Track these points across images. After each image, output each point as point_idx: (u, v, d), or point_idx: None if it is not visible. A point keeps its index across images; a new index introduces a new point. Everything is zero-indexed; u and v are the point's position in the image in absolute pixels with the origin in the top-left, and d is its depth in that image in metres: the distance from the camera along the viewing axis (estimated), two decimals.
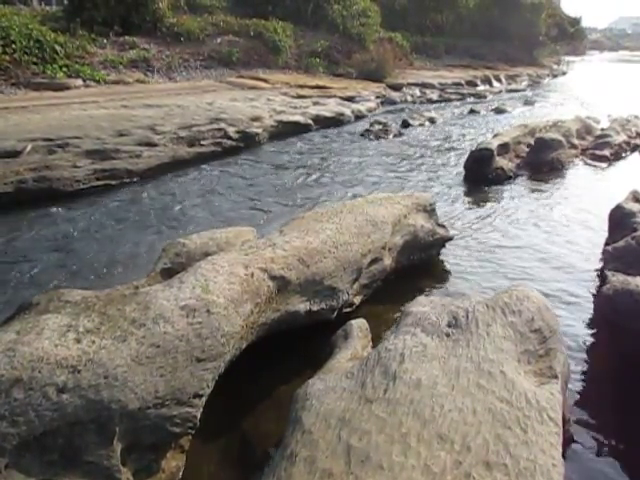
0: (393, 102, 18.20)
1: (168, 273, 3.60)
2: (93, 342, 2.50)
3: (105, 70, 15.30)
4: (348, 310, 4.14)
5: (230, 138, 10.24)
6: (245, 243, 3.89)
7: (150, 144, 8.78)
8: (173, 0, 21.27)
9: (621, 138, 11.58)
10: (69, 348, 2.44)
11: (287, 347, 3.72)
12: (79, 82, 13.76)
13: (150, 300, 2.85)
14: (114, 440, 2.38)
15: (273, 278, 3.40)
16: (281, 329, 3.60)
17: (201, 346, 2.74)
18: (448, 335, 3.00)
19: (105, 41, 16.71)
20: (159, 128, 9.31)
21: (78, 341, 2.50)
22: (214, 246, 3.93)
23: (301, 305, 3.61)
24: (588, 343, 4.20)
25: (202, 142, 9.65)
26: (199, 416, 2.74)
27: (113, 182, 7.78)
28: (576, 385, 3.64)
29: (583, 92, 24.82)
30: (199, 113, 10.67)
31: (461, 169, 9.27)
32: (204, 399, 2.78)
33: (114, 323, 2.66)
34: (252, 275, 3.26)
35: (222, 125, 10.34)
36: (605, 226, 6.06)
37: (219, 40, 19.66)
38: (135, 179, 8.08)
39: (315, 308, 3.70)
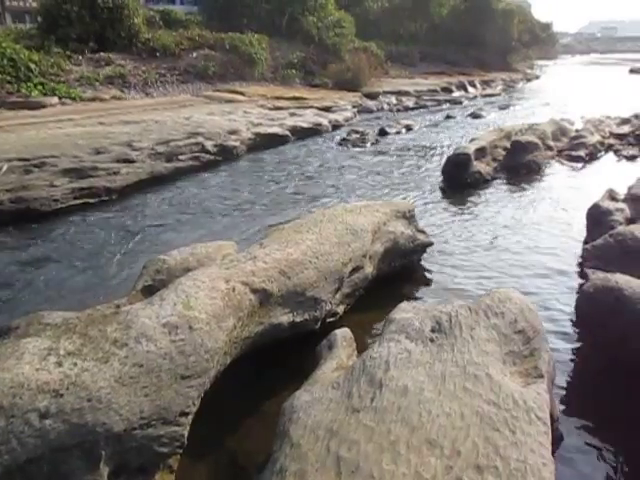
0: (370, 111, 18.35)
1: (149, 290, 3.57)
2: (75, 365, 2.47)
3: (81, 87, 15.19)
4: (332, 320, 4.14)
5: (208, 152, 10.23)
6: (226, 257, 3.88)
7: (128, 161, 8.73)
8: (148, 15, 21.27)
9: (595, 138, 11.82)
10: (50, 372, 2.41)
11: (272, 360, 3.71)
12: (55, 100, 13.64)
13: (131, 319, 2.82)
14: (101, 464, 2.35)
15: (255, 291, 3.39)
16: (265, 342, 3.59)
17: (185, 363, 2.72)
18: (432, 340, 3.02)
19: (80, 58, 16.62)
20: (136, 144, 9.27)
21: (59, 364, 2.46)
22: (195, 261, 3.91)
23: (284, 317, 3.61)
24: (572, 341, 4.26)
25: (180, 157, 9.62)
26: (186, 434, 2.72)
27: (92, 200, 7.71)
28: (562, 383, 3.68)
29: (557, 95, 25.30)
30: (176, 128, 10.64)
31: (439, 174, 9.36)
32: (191, 417, 2.76)
33: (96, 344, 2.63)
34: (233, 289, 3.25)
35: (200, 139, 10.33)
36: (584, 225, 6.17)
37: (195, 54, 19.67)
38: (114, 196, 8.01)
39: (298, 319, 3.70)
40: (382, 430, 2.36)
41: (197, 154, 10.01)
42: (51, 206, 7.22)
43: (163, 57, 18.84)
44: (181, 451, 2.72)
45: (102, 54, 17.39)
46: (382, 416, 2.44)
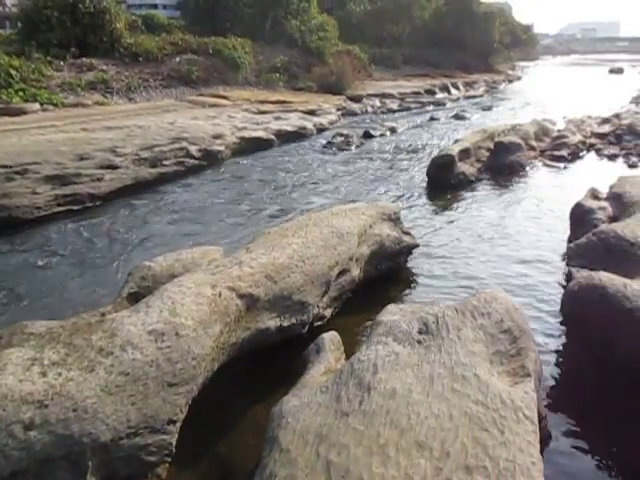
0: (354, 113, 18.41)
1: (135, 298, 3.55)
2: (60, 374, 2.44)
3: (63, 93, 15.05)
4: (319, 323, 4.14)
5: (193, 157, 10.19)
6: (211, 262, 3.85)
7: (112, 166, 8.66)
8: (130, 20, 21.15)
9: (577, 138, 11.97)
10: (34, 382, 2.37)
11: (260, 365, 3.69)
12: (36, 106, 13.48)
13: (117, 327, 2.79)
14: (87, 475, 2.32)
15: (241, 296, 3.38)
16: (253, 347, 3.57)
17: (172, 370, 2.70)
18: (420, 342, 3.02)
19: (62, 63, 16.46)
20: (120, 150, 9.19)
21: (44, 374, 2.43)
22: (180, 267, 3.89)
23: (271, 322, 3.59)
24: (558, 339, 4.30)
25: (164, 162, 9.57)
26: (175, 442, 2.69)
27: (75, 207, 7.64)
28: (549, 382, 3.71)
29: (538, 95, 25.59)
30: (160, 133, 10.56)
31: (424, 176, 9.41)
32: (179, 425, 2.74)
33: (81, 353, 2.60)
34: (220, 295, 3.23)
35: (184, 144, 10.28)
36: (567, 224, 6.23)
37: (178, 59, 19.59)
38: (98, 203, 7.95)
39: (286, 324, 3.69)
40: (371, 433, 2.35)
41: (181, 159, 9.97)
42: (34, 214, 7.14)
43: (146, 62, 18.74)
44: (169, 459, 2.70)
45: (84, 59, 17.26)
46: (371, 419, 2.43)
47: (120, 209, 7.80)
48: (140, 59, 18.64)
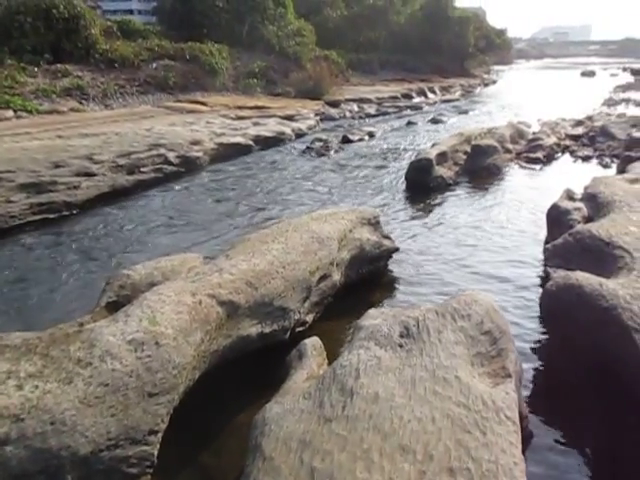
0: (332, 118, 18.47)
1: (114, 307, 3.50)
2: (36, 387, 2.39)
3: (37, 100, 14.80)
4: (301, 329, 4.13)
5: (171, 163, 10.12)
6: (191, 270, 3.82)
7: (88, 174, 8.55)
8: (105, 26, 20.93)
9: (552, 140, 12.18)
10: (10, 396, 2.32)
11: (243, 372, 3.67)
12: (10, 113, 13.24)
13: (95, 337, 2.75)
14: None
15: (222, 303, 3.35)
16: (235, 355, 3.55)
17: (152, 380, 2.66)
18: (401, 346, 3.03)
19: (36, 70, 16.19)
20: (97, 157, 9.09)
21: (20, 387, 2.38)
22: (160, 275, 3.85)
23: (253, 328, 3.58)
24: (537, 340, 4.35)
25: (142, 169, 9.48)
26: (156, 453, 2.66)
27: (51, 216, 7.52)
28: (530, 381, 3.75)
29: (513, 99, 25.97)
30: (138, 140, 10.47)
31: (403, 180, 9.47)
32: (160, 435, 2.70)
33: (58, 365, 2.55)
34: (200, 302, 3.21)
35: (162, 151, 10.20)
36: (544, 225, 6.32)
37: (155, 65, 19.44)
38: (75, 211, 7.84)
39: (267, 330, 3.67)
40: (355, 438, 2.36)
41: (159, 166, 9.89)
42: (8, 222, 7.01)
43: (122, 68, 18.55)
44: (151, 471, 2.66)
45: (59, 65, 17.00)
46: (354, 424, 2.43)
47: (97, 217, 7.70)
48: (116, 65, 18.44)
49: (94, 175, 8.60)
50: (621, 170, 8.88)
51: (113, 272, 4.58)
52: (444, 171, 9.40)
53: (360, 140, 14.35)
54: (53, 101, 15.18)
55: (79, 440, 2.31)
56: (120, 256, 6.26)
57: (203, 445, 3.19)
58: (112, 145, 9.87)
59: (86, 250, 6.45)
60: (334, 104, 20.68)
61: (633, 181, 6.37)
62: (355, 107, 20.77)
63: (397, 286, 5.43)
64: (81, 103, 15.72)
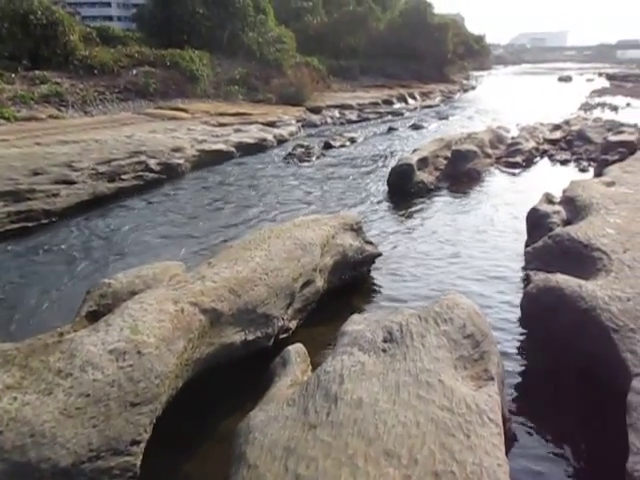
0: (314, 125, 18.51)
1: (94, 316, 3.46)
2: (15, 399, 2.35)
3: (15, 107, 14.61)
4: (285, 336, 4.12)
5: (152, 170, 10.05)
6: (173, 278, 3.80)
7: (68, 182, 8.45)
8: (85, 32, 20.77)
9: (530, 145, 12.35)
10: None
11: (226, 380, 3.64)
12: None
13: (76, 347, 2.72)
14: None
15: (204, 311, 3.33)
16: (218, 362, 3.53)
17: (134, 390, 2.63)
18: (385, 351, 3.04)
19: (13, 76, 16.00)
20: (77, 165, 8.99)
21: None
22: (141, 284, 3.81)
23: (236, 336, 3.56)
24: (519, 342, 4.39)
25: (123, 176, 9.40)
26: (139, 464, 2.62)
27: (30, 224, 7.40)
28: (512, 383, 3.78)
29: (492, 104, 26.30)
30: (118, 147, 10.39)
31: (385, 185, 9.52)
32: (143, 445, 2.67)
33: (37, 376, 2.51)
34: (182, 310, 3.19)
35: (143, 158, 10.13)
36: (524, 228, 6.40)
37: (135, 71, 19.33)
38: (54, 219, 7.73)
39: (251, 337, 3.66)
40: (340, 444, 2.35)
41: (140, 173, 9.81)
42: None
43: (102, 74, 18.42)
44: None
45: (37, 72, 16.82)
46: (339, 430, 2.43)
47: (78, 225, 7.60)
48: (96, 71, 18.31)
49: (74, 183, 8.51)
50: (598, 173, 9.03)
51: (94, 281, 4.52)
52: (425, 176, 9.47)
53: (342, 146, 14.39)
54: (31, 108, 15.00)
55: (59, 452, 2.27)
56: (101, 265, 6.19)
57: (187, 454, 3.16)
58: (92, 152, 9.78)
59: (66, 259, 6.37)
60: (315, 110, 20.74)
61: (609, 184, 6.49)
62: (336, 113, 20.85)
63: (380, 291, 5.44)
64: (60, 110, 15.57)
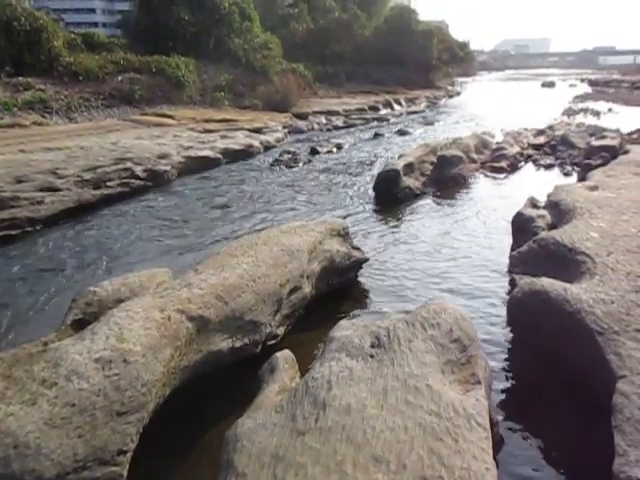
0: (300, 131, 18.55)
1: (80, 325, 3.42)
2: None
3: None
4: (273, 342, 4.11)
5: (138, 177, 9.99)
6: (160, 285, 3.78)
7: (52, 189, 8.38)
8: (69, 38, 20.67)
9: (515, 150, 12.48)
10: None
11: (214, 387, 3.62)
12: None
13: (61, 356, 2.69)
14: None
15: (191, 319, 3.31)
16: (206, 370, 3.50)
17: (121, 399, 2.61)
18: (372, 356, 3.05)
19: None
20: (61, 172, 8.92)
21: None
22: (127, 291, 3.78)
23: (223, 343, 3.54)
24: (506, 345, 4.41)
25: (108, 183, 9.34)
26: (126, 474, 2.59)
27: (13, 232, 7.31)
28: (499, 387, 3.80)
29: (477, 109, 26.56)
30: (103, 154, 10.32)
31: (371, 191, 9.55)
32: (129, 455, 2.64)
33: (21, 386, 2.48)
34: (169, 318, 3.16)
35: (128, 164, 10.07)
36: (509, 233, 6.44)
37: (120, 78, 19.25)
38: (38, 227, 7.65)
39: (238, 344, 3.64)
40: (328, 451, 2.35)
41: (126, 180, 9.75)
42: None
43: (86, 81, 18.33)
44: None
45: (20, 78, 16.70)
46: (327, 436, 2.43)
47: (62, 233, 7.53)
48: (80, 78, 18.22)
49: (58, 190, 8.43)
50: (581, 178, 9.14)
51: (79, 289, 4.48)
52: (411, 182, 9.52)
53: (328, 152, 14.43)
54: (15, 115, 14.89)
55: (44, 463, 2.24)
56: (86, 273, 6.13)
57: (175, 463, 3.13)
58: (77, 159, 9.71)
59: (51, 267, 6.30)
60: (302, 116, 20.80)
61: (593, 188, 6.56)
62: (323, 119, 20.93)
63: (367, 296, 5.45)
64: (44, 117, 15.45)
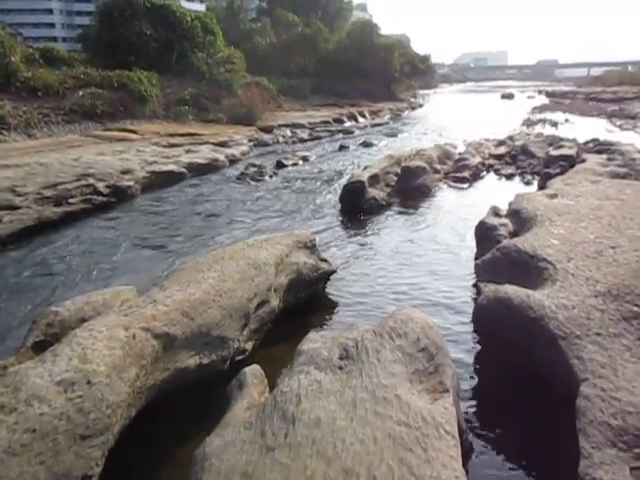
0: (266, 144, 18.55)
1: (41, 347, 3.32)
2: None
3: None
4: (241, 358, 4.07)
5: (100, 194, 9.81)
6: (124, 303, 3.70)
7: (11, 207, 8.15)
8: (27, 53, 20.26)
9: (477, 160, 12.74)
10: None
11: (181, 406, 3.56)
12: None
13: (21, 380, 2.60)
14: None
15: (157, 336, 3.26)
16: (173, 388, 3.44)
17: (84, 422, 2.54)
18: (341, 368, 3.05)
19: None
20: (20, 189, 8.69)
21: None
22: (91, 310, 3.70)
23: (191, 360, 3.49)
24: (473, 353, 4.47)
25: (70, 200, 9.14)
26: None
27: None
28: (467, 395, 3.84)
29: (439, 121, 27.05)
30: (64, 170, 10.10)
31: (337, 202, 9.61)
32: (95, 479, 2.57)
33: None
34: (134, 336, 3.10)
35: (91, 181, 9.88)
36: (474, 241, 6.56)
37: (81, 93, 18.92)
38: None
39: (206, 361, 3.59)
40: (298, 466, 2.33)
41: (89, 196, 9.57)
42: None
43: (46, 96, 17.96)
44: None
45: None
46: (297, 451, 2.41)
47: (22, 252, 7.32)
48: (39, 93, 17.83)
49: (17, 208, 8.21)
50: (541, 186, 9.38)
51: (40, 310, 4.35)
52: (376, 193, 9.61)
53: (294, 165, 14.46)
54: None
55: None
56: (47, 293, 5.96)
57: None
58: (37, 176, 9.48)
59: (9, 288, 6.11)
60: (267, 130, 20.81)
61: (552, 196, 6.74)
62: (288, 132, 20.98)
63: (336, 308, 5.45)
64: (1, 133, 15.07)
